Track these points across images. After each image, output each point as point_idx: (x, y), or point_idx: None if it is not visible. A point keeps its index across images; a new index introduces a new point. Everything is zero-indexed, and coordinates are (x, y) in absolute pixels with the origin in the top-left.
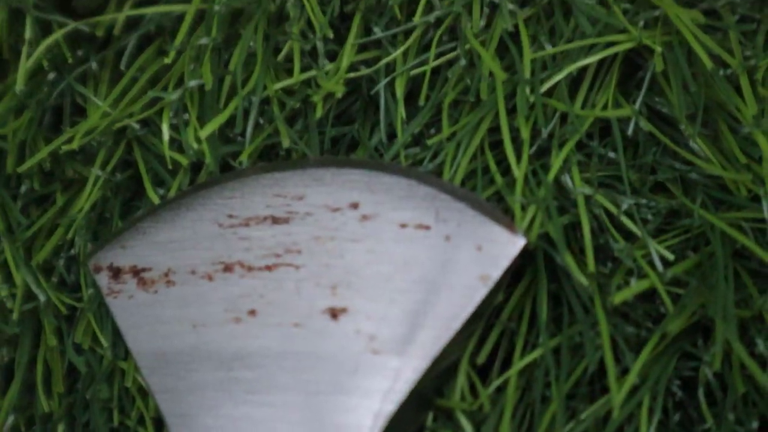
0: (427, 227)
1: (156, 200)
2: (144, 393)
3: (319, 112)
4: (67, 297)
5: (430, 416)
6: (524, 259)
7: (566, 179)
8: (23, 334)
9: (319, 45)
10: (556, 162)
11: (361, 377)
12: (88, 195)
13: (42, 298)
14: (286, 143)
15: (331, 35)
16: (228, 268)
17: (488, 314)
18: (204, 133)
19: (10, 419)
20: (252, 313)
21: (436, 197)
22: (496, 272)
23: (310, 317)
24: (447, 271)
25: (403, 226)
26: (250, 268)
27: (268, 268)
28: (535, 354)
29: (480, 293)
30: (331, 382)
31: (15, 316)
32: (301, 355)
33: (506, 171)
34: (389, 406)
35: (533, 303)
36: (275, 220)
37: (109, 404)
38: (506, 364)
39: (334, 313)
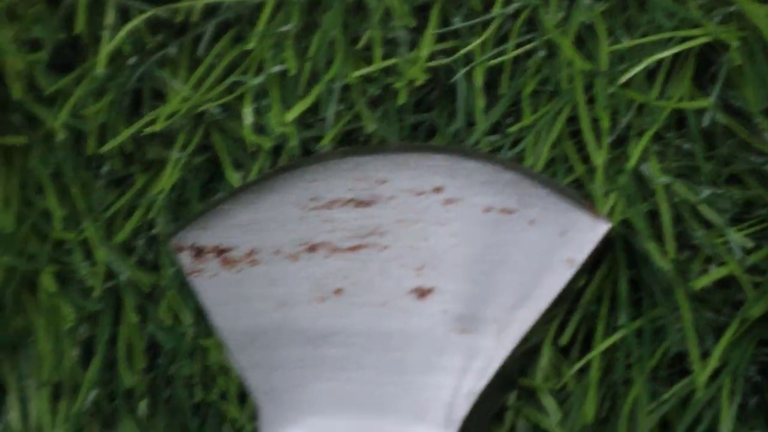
0: (511, 211)
1: (236, 183)
2: (226, 370)
3: (402, 99)
4: (148, 276)
5: (514, 395)
6: (603, 245)
7: (644, 169)
8: (104, 311)
9: (401, 34)
10: (636, 151)
11: (448, 357)
12: (168, 176)
13: (123, 276)
14: (370, 127)
15: (413, 24)
16: (312, 249)
17: (570, 298)
18: (290, 117)
19: (92, 394)
20: (338, 292)
21: (519, 182)
22: (581, 256)
23: (397, 297)
24: (532, 255)
25: (487, 210)
26: (334, 249)
27: (353, 249)
28: (617, 336)
29: (565, 276)
30: (418, 361)
31: (96, 293)
32: (388, 334)
33: (584, 160)
34: (475, 384)
35: (613, 289)
36: (359, 204)
37: (191, 381)
38: (586, 347)
39: (421, 293)
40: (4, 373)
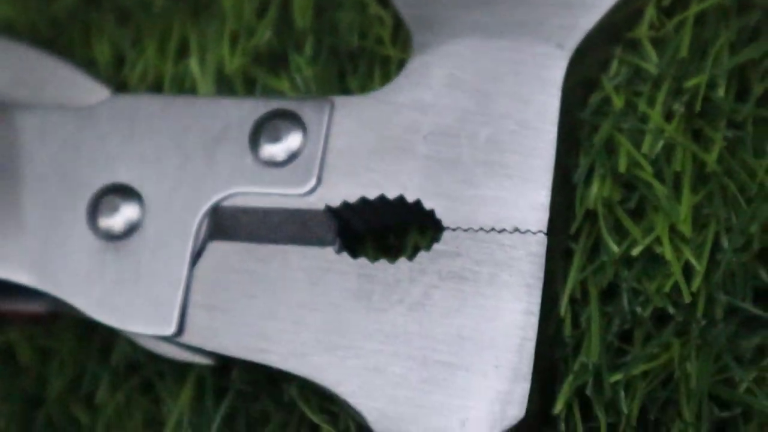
0: None
1: None
2: (381, 20)
3: None
4: None
5: (619, 48)
6: None
7: None
8: None
9: None
10: None
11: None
12: None
13: None
14: None
15: None
16: None
17: None
18: None
19: (267, 35)
20: None
21: None
22: None
23: None
24: None
25: None
26: None
27: None
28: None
29: None
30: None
31: None
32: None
33: None
34: (593, 18)
35: None
36: None
37: (351, 28)
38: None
39: None
40: (187, 31)
